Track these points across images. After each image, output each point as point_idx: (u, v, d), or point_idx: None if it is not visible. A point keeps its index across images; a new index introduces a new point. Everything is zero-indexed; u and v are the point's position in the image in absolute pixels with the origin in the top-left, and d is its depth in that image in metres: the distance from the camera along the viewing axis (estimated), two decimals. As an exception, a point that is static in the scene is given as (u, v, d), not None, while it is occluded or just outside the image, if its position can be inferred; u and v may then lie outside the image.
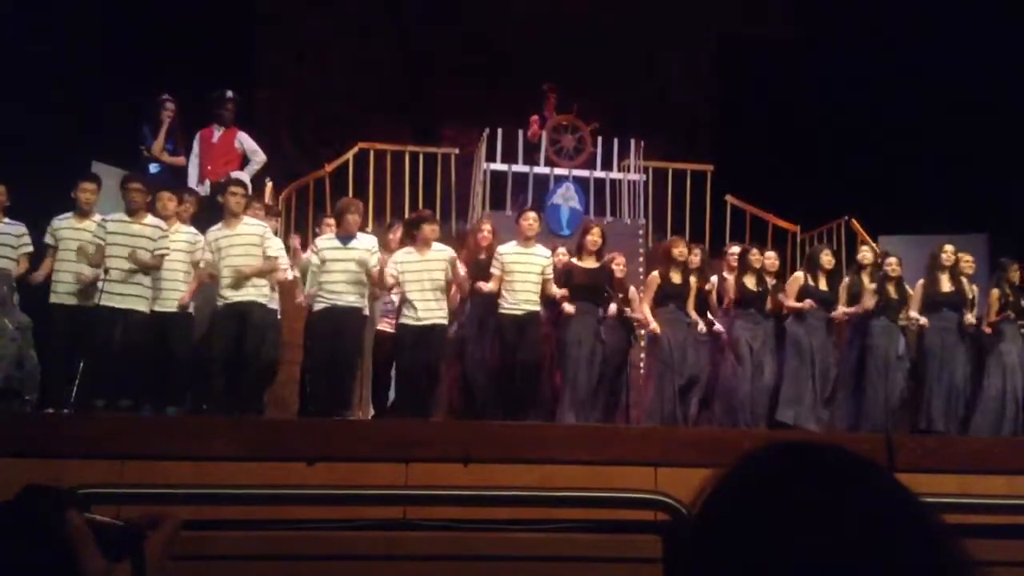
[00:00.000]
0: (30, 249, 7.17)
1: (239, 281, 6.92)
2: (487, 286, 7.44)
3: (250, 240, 7.05)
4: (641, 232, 9.73)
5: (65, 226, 7.09)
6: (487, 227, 8.14)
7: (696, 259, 7.87)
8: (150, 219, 7.03)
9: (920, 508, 0.83)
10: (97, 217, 7.14)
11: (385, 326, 7.57)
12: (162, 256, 6.98)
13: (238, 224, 7.10)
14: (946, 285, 7.71)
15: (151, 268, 6.92)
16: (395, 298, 7.34)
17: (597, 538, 5.76)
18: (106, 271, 6.83)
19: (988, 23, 10.28)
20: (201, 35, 10.32)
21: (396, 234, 7.99)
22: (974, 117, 10.19)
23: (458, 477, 5.80)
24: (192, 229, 7.34)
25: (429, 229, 7.33)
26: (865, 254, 8.11)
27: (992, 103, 10.10)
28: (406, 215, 9.63)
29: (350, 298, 7.10)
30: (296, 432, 6.23)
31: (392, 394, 7.62)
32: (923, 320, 7.62)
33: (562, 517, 5.78)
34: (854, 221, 10.00)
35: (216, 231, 7.14)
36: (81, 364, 7.05)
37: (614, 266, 7.80)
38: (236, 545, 5.49)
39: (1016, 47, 10.04)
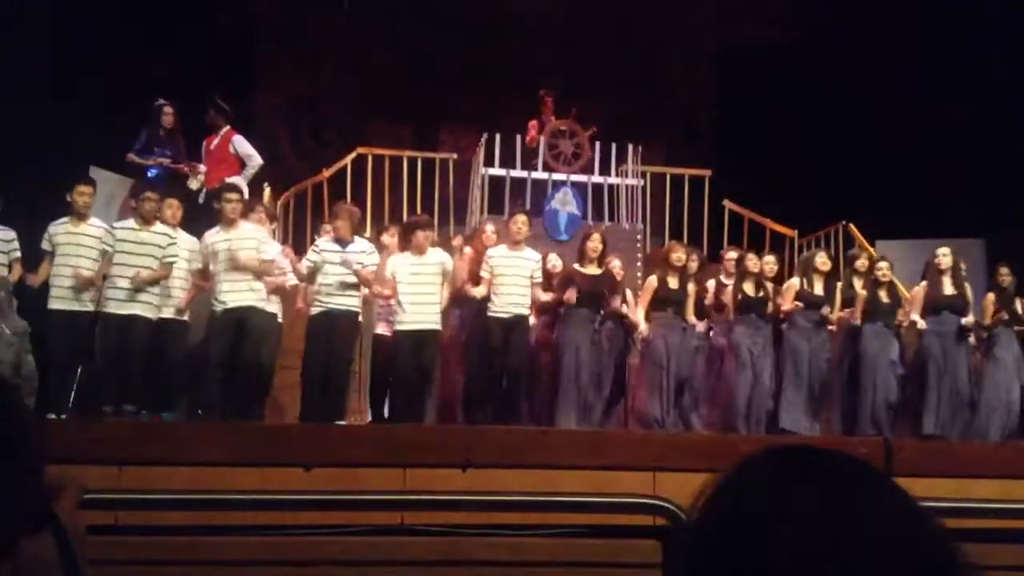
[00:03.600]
0: (19, 255, 7.11)
1: (235, 267, 6.90)
2: (477, 291, 7.44)
3: (248, 245, 7.05)
4: (639, 237, 9.74)
5: (62, 231, 7.06)
6: (490, 227, 8.16)
7: (694, 264, 7.88)
8: (158, 227, 7.07)
9: (918, 512, 0.83)
10: (95, 222, 7.14)
11: (383, 330, 7.57)
12: (171, 264, 7.03)
13: (235, 229, 7.10)
14: (948, 288, 7.72)
15: (160, 279, 6.96)
16: (394, 303, 7.34)
17: (596, 543, 5.76)
18: (105, 277, 6.84)
19: (986, 29, 10.30)
20: (200, 39, 10.33)
21: (392, 236, 8.00)
22: (972, 122, 10.21)
23: (456, 482, 5.80)
24: (191, 237, 7.38)
25: (422, 235, 7.35)
26: (862, 261, 8.12)
27: (990, 108, 10.12)
28: (404, 220, 9.65)
29: (346, 302, 7.12)
30: (293, 437, 6.22)
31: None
32: (921, 323, 7.62)
33: (561, 522, 5.78)
34: (851, 226, 10.01)
35: (214, 235, 7.15)
36: (79, 369, 7.07)
37: (610, 267, 7.79)
38: (234, 550, 5.49)
39: (1012, 53, 10.06)
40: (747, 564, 0.80)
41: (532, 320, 7.64)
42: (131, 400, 6.70)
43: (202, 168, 8.68)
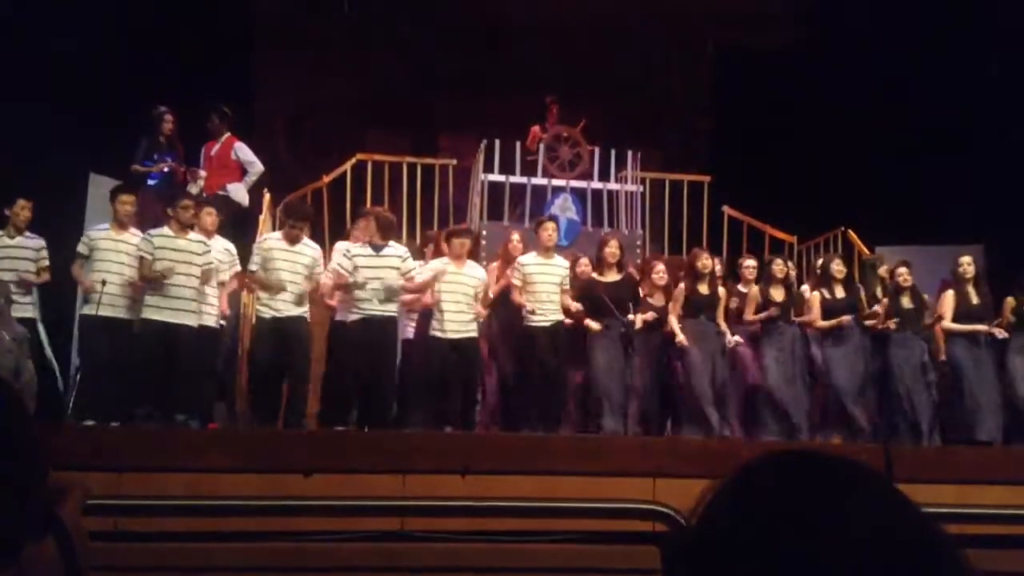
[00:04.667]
0: (47, 263, 7.41)
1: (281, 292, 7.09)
2: (527, 305, 7.36)
3: (305, 262, 7.24)
4: (639, 243, 9.74)
5: (103, 236, 7.17)
6: (516, 236, 8.14)
7: (719, 269, 7.87)
8: (193, 234, 7.13)
9: (921, 518, 0.83)
10: (135, 230, 7.24)
11: (410, 334, 7.60)
12: (211, 271, 7.11)
13: (298, 243, 7.25)
14: (974, 297, 7.72)
15: (204, 283, 7.06)
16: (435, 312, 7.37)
17: (596, 549, 5.75)
18: (147, 285, 6.92)
19: (984, 34, 10.32)
20: (200, 46, 10.34)
21: (431, 247, 8.06)
22: (970, 128, 10.23)
23: (456, 488, 5.80)
24: (228, 243, 7.48)
25: (459, 243, 7.39)
26: (884, 267, 8.11)
27: (989, 113, 10.13)
28: (404, 226, 9.66)
29: (386, 307, 7.13)
30: (293, 443, 6.22)
31: (395, 404, 7.58)
32: (957, 326, 7.56)
33: (561, 528, 5.77)
34: (851, 232, 10.02)
35: (272, 241, 7.29)
36: (79, 375, 7.08)
37: (654, 275, 7.74)
38: (233, 557, 5.48)
39: (1011, 58, 10.08)
40: (748, 569, 0.80)
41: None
42: (179, 408, 6.73)
43: (202, 174, 8.69)
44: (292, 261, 7.18)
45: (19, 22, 9.30)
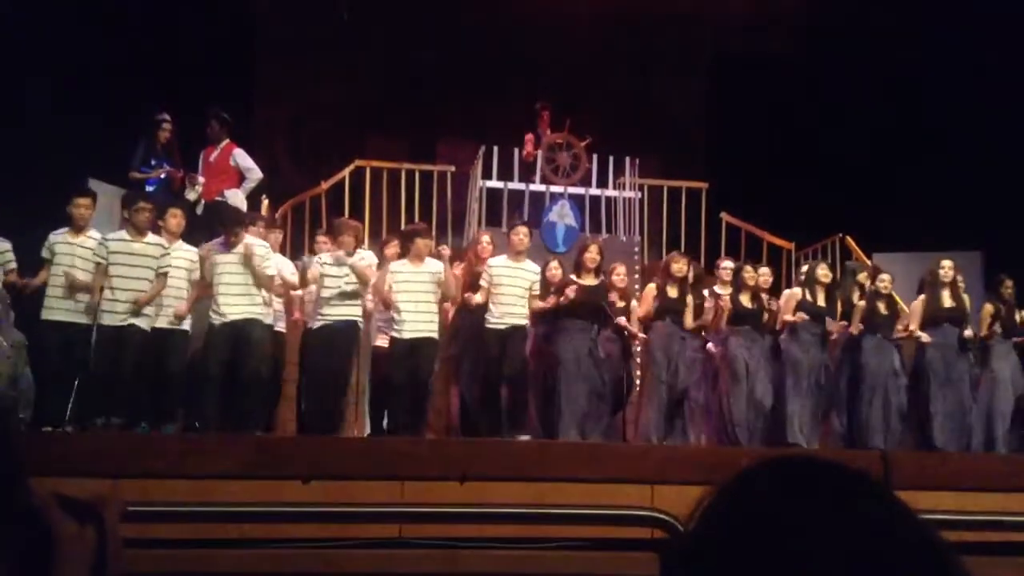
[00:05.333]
0: (14, 266, 7.13)
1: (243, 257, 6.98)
2: (475, 298, 7.46)
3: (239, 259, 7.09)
4: (636, 249, 9.75)
5: (60, 241, 7.05)
6: (486, 238, 8.16)
7: (691, 275, 7.89)
8: (151, 237, 7.03)
9: (919, 524, 0.83)
10: (94, 233, 7.13)
11: (383, 342, 7.57)
12: (165, 275, 7.00)
13: (240, 243, 7.11)
14: (947, 301, 7.74)
15: (157, 294, 6.92)
16: (394, 314, 7.35)
17: (594, 556, 5.75)
18: (101, 289, 6.83)
19: (982, 42, 10.34)
20: (200, 52, 10.35)
21: (392, 248, 8.01)
22: (968, 135, 10.24)
23: (454, 495, 5.79)
24: (191, 247, 7.36)
25: (423, 243, 7.36)
26: (865, 274, 8.14)
27: (986, 121, 10.14)
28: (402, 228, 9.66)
29: (346, 312, 7.17)
30: (291, 450, 6.21)
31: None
32: (925, 337, 7.64)
33: (559, 535, 5.76)
34: (849, 238, 10.03)
35: (215, 246, 7.19)
36: (76, 381, 7.04)
37: (614, 277, 7.78)
38: (231, 564, 5.46)
39: (1009, 65, 10.10)
40: (746, 576, 0.80)
41: (528, 330, 7.63)
42: (124, 412, 6.63)
43: (200, 179, 8.68)
44: (235, 263, 7.07)
45: (19, 25, 9.30)
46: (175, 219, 7.28)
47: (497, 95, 11.29)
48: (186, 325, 7.17)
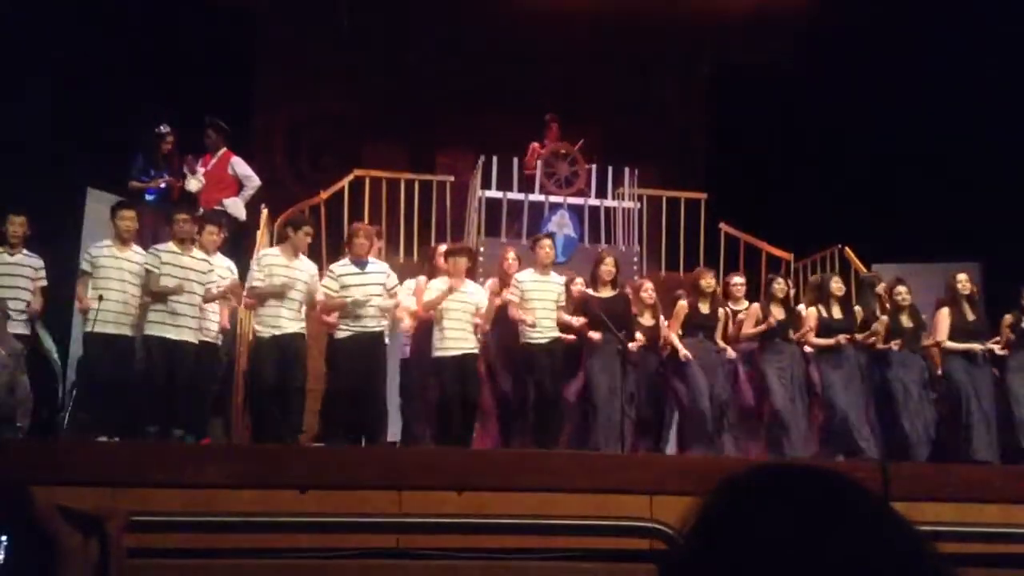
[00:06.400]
0: (45, 283, 7.30)
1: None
2: (527, 319, 7.37)
3: (304, 278, 7.23)
4: (636, 260, 9.75)
5: (105, 254, 7.10)
6: (511, 254, 8.15)
7: (720, 289, 7.90)
8: (197, 251, 7.15)
9: (914, 536, 0.83)
10: (137, 247, 7.22)
11: (408, 353, 7.60)
12: (212, 289, 7.14)
13: (297, 259, 7.22)
14: (970, 314, 7.73)
15: (208, 301, 7.07)
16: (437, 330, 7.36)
17: (592, 567, 5.73)
18: (153, 299, 6.91)
19: (981, 52, 10.36)
20: (200, 62, 10.37)
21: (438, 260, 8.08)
22: (967, 145, 10.25)
23: (452, 505, 5.78)
24: (229, 260, 7.47)
25: (459, 261, 7.42)
26: (882, 284, 8.14)
27: (984, 131, 10.16)
28: (401, 242, 9.68)
29: (372, 323, 7.16)
30: (289, 459, 6.20)
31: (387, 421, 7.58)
32: (954, 345, 7.58)
33: (557, 546, 5.74)
34: (847, 249, 10.03)
35: (271, 257, 7.25)
36: (74, 391, 7.06)
37: (642, 294, 7.74)
38: (228, 574, 5.45)
39: (1008, 75, 10.12)
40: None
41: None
42: (178, 424, 6.74)
43: (200, 169, 8.70)
44: (291, 277, 7.17)
45: (18, 36, 9.32)
46: (212, 236, 7.36)
47: (497, 105, 11.32)
48: (219, 339, 7.32)
